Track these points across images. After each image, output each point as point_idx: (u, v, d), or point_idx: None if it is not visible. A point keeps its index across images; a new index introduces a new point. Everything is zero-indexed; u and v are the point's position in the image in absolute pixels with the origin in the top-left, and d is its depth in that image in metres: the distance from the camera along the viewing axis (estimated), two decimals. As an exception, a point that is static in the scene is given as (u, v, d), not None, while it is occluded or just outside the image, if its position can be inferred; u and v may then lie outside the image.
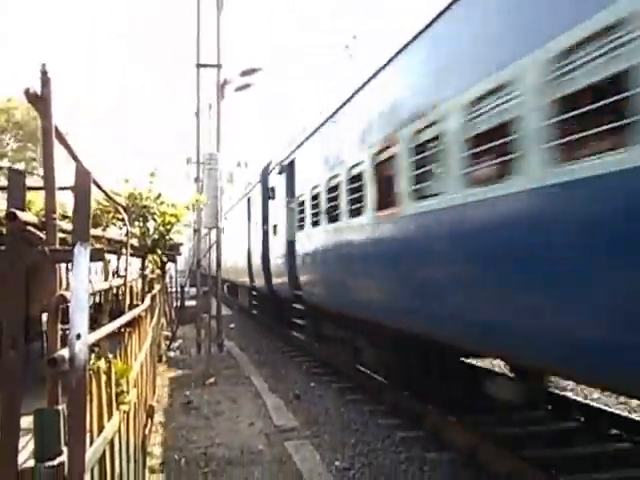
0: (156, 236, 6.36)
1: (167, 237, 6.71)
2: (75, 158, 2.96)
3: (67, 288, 2.98)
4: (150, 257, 7.22)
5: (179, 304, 19.51)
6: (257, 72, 16.23)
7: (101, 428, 3.00)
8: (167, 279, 16.17)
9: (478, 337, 5.15)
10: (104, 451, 3.00)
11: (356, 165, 7.98)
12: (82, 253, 2.62)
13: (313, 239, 10.27)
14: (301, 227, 11.11)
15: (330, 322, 10.34)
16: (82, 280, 2.58)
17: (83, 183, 2.73)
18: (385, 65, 7.01)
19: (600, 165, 3.55)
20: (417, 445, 6.58)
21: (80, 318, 2.50)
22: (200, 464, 6.07)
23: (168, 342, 13.85)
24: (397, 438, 6.84)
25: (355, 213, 8.02)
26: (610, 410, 6.95)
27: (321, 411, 8.19)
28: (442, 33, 5.73)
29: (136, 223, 5.98)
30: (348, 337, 9.64)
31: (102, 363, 3.37)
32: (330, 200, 9.08)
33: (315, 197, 10.08)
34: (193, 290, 18.72)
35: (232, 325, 18.80)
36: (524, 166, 4.29)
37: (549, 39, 4.00)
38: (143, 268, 6.31)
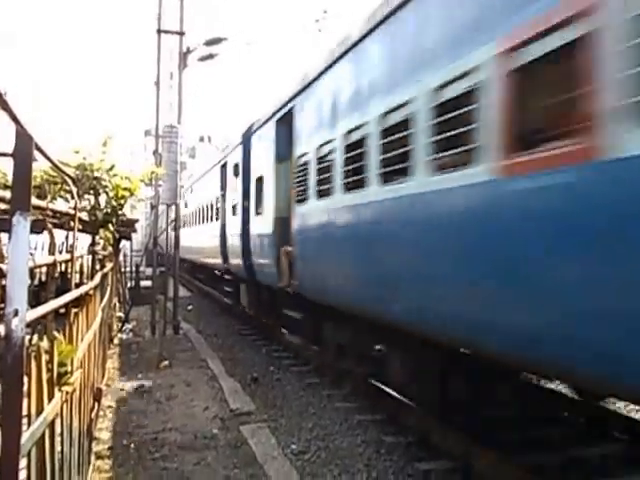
0: (108, 210, 6.21)
1: (120, 212, 6.56)
2: (15, 120, 2.83)
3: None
4: (102, 233, 7.05)
5: (133, 284, 19.26)
6: (222, 42, 15.97)
7: (41, 410, 2.92)
8: (121, 257, 15.91)
9: None
10: (43, 434, 2.92)
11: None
12: (21, 223, 2.52)
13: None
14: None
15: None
16: (21, 252, 2.49)
17: (24, 147, 2.62)
18: None
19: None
20: (374, 429, 6.67)
21: (18, 292, 2.41)
22: (150, 449, 6.03)
23: (121, 323, 13.66)
24: (354, 422, 6.92)
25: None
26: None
27: (279, 395, 8.22)
28: None
29: (86, 196, 5.82)
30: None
31: (45, 342, 3.28)
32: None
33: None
34: (149, 270, 18.46)
35: (190, 307, 18.65)
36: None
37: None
38: (93, 244, 6.16)
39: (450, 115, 4.74)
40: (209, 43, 15.48)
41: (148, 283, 17.47)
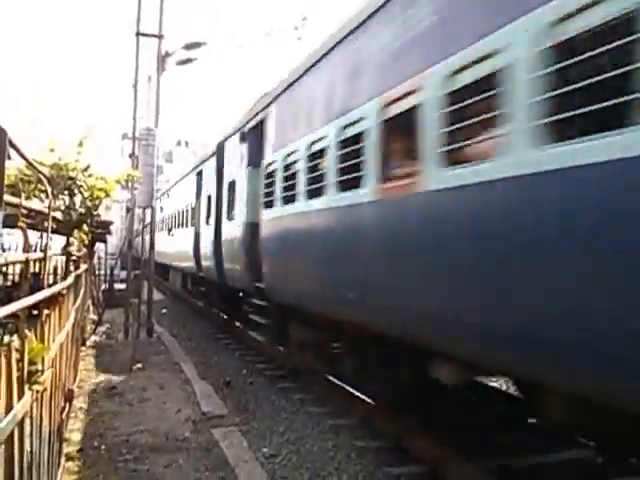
0: (82, 211, 6.15)
1: (95, 213, 6.50)
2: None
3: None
4: (76, 234, 6.97)
5: (107, 286, 19.04)
6: (201, 46, 15.96)
7: (10, 408, 2.89)
8: (95, 260, 15.73)
9: None
10: (12, 432, 2.89)
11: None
12: (-6, 219, 2.51)
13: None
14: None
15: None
16: (-7, 248, 2.47)
17: (-3, 144, 2.61)
18: None
19: None
20: (346, 433, 6.69)
21: (-11, 288, 2.39)
22: (122, 451, 5.98)
23: (94, 325, 13.49)
24: (326, 426, 6.94)
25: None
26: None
27: (251, 399, 8.19)
28: None
29: (61, 196, 5.76)
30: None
31: (15, 340, 3.24)
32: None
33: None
34: (123, 273, 18.28)
35: (164, 310, 18.50)
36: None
37: None
38: (67, 244, 6.09)
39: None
40: (188, 47, 15.47)
41: (122, 286, 17.28)
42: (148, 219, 14.52)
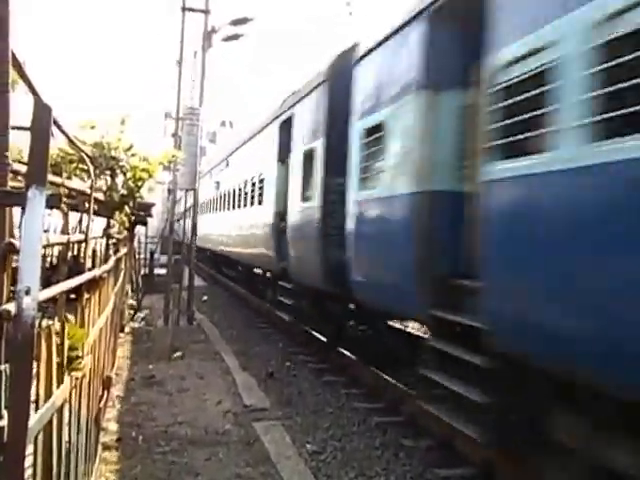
0: (124, 192, 6.23)
1: (137, 194, 6.58)
2: (33, 91, 2.83)
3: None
4: (117, 216, 7.08)
5: (147, 271, 19.39)
6: (249, 22, 15.96)
7: (49, 395, 2.93)
8: (135, 243, 16.02)
9: None
10: (51, 419, 2.93)
11: None
12: (37, 197, 2.51)
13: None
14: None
15: None
16: (35, 227, 2.48)
17: (42, 119, 2.61)
18: None
19: None
20: (393, 431, 6.63)
21: (30, 269, 2.40)
22: (160, 442, 6.05)
23: (133, 311, 13.76)
24: (373, 423, 6.89)
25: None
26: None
27: (295, 392, 8.21)
28: None
29: (102, 176, 5.84)
30: None
31: (56, 324, 3.28)
32: None
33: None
34: (164, 258, 18.58)
35: (205, 297, 18.76)
36: None
37: None
38: (108, 227, 6.19)
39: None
40: (235, 23, 15.49)
41: (162, 271, 17.57)
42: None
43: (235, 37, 15.73)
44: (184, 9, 13.80)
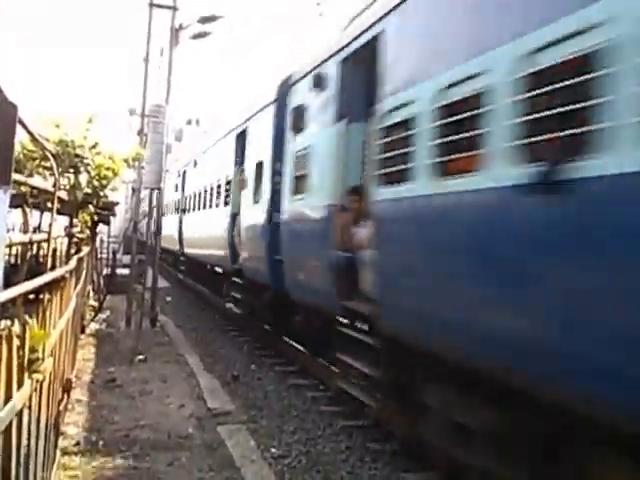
0: (89, 190, 6.14)
1: (101, 193, 6.50)
2: (-4, 88, 2.79)
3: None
4: (80, 216, 6.99)
5: (109, 272, 19.12)
6: (217, 20, 15.88)
7: (9, 397, 2.89)
8: (97, 243, 15.80)
9: None
10: (10, 423, 2.88)
11: None
12: (0, 197, 2.49)
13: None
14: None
15: None
16: (-3, 228, 2.46)
17: (6, 116, 2.59)
18: None
19: None
20: (359, 434, 6.68)
21: (-9, 270, 2.38)
22: (121, 447, 5.98)
23: (94, 312, 13.56)
24: (338, 426, 6.94)
25: None
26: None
27: (260, 395, 8.21)
28: None
29: (66, 174, 5.75)
30: None
31: (16, 325, 3.23)
32: None
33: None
34: (127, 258, 18.33)
35: (169, 299, 18.59)
36: None
37: None
38: (71, 226, 6.10)
39: None
40: (203, 21, 15.40)
41: (125, 271, 17.35)
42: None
43: (203, 35, 15.66)
44: (151, 5, 13.69)
